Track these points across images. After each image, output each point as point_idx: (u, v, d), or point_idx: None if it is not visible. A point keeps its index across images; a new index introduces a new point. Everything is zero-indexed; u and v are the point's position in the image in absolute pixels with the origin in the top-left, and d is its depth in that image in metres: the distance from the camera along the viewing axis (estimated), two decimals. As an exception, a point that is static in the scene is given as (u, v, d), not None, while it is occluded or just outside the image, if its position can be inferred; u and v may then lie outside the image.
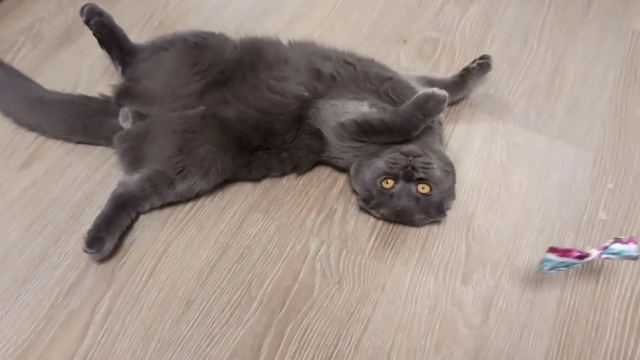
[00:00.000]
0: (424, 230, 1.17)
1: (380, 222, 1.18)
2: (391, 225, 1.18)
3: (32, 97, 1.26)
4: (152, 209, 1.16)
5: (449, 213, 1.16)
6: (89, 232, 1.06)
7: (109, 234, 1.08)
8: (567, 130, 1.34)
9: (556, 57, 1.50)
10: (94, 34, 1.26)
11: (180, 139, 1.14)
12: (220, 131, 1.15)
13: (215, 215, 1.17)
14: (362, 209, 1.18)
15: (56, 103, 1.25)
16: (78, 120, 1.24)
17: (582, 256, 1.04)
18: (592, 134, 1.34)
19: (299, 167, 1.21)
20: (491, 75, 1.43)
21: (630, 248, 1.03)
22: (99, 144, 1.25)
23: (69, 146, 1.26)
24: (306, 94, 1.18)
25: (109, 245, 1.08)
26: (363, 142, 1.15)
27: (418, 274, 1.12)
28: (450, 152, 1.25)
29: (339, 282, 1.10)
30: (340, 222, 1.18)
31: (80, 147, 1.26)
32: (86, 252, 1.06)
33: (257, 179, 1.21)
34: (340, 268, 1.12)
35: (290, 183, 1.23)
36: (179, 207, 1.18)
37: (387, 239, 1.16)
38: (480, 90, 1.41)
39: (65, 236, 1.13)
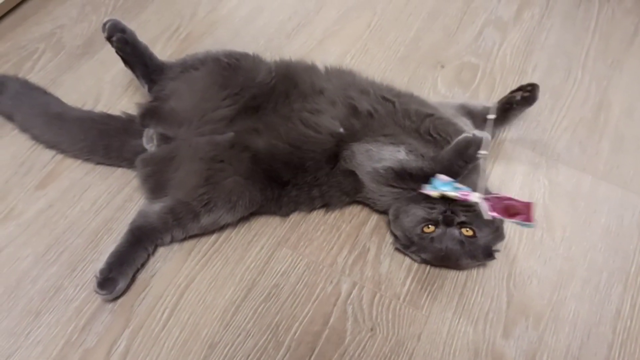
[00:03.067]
0: (462, 274, 1.10)
1: (417, 264, 1.11)
2: (427, 268, 1.11)
3: (51, 113, 1.19)
4: (173, 241, 1.08)
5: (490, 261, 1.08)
6: (101, 272, 1.00)
7: (121, 274, 1.01)
8: (613, 170, 1.27)
9: (601, 89, 1.42)
10: (117, 52, 1.19)
11: (207, 168, 1.07)
12: (250, 162, 1.08)
13: (241, 249, 1.11)
14: (399, 251, 1.11)
15: (76, 120, 1.18)
16: (99, 140, 1.17)
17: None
18: (640, 176, 1.27)
19: (330, 205, 1.14)
20: (534, 106, 1.36)
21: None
22: (120, 166, 1.18)
23: (89, 166, 1.19)
24: (341, 130, 1.11)
25: (121, 285, 1.01)
26: (401, 188, 1.07)
27: (456, 324, 1.05)
28: (491, 190, 1.18)
29: (372, 329, 1.03)
30: (374, 262, 1.11)
31: (100, 167, 1.19)
32: (97, 293, 0.99)
33: (285, 215, 1.14)
34: (373, 313, 1.05)
35: (320, 217, 1.16)
36: (203, 239, 1.11)
37: (423, 283, 1.09)
38: (521, 121, 1.33)
39: (82, 266, 1.06)
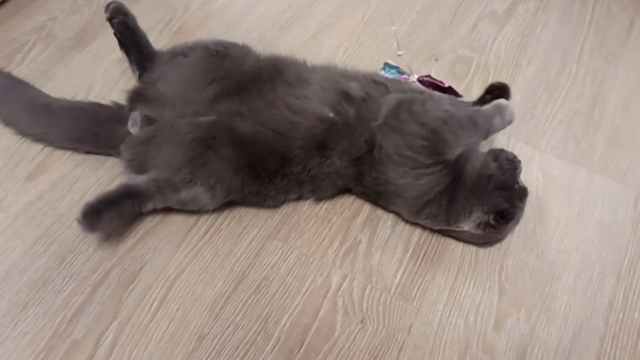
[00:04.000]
0: (454, 267, 1.10)
1: (408, 256, 1.10)
2: (419, 261, 1.10)
3: (38, 105, 1.18)
4: (154, 209, 1.07)
5: (481, 253, 1.08)
6: (88, 203, 0.99)
7: (108, 211, 1.00)
8: (607, 164, 1.26)
9: (596, 83, 1.41)
10: (115, 34, 1.20)
11: (188, 150, 1.06)
12: (233, 148, 1.06)
13: (231, 241, 1.10)
14: (387, 243, 1.10)
15: (65, 110, 1.18)
16: (88, 128, 1.16)
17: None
18: (635, 170, 1.26)
19: (321, 196, 1.13)
20: (528, 99, 1.36)
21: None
22: (109, 154, 1.17)
23: (78, 158, 1.18)
24: (331, 115, 1.09)
25: (104, 223, 1.00)
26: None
27: (447, 317, 1.04)
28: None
29: (362, 322, 1.02)
30: (365, 254, 1.10)
31: (90, 159, 1.18)
32: (79, 223, 0.99)
33: (275, 207, 1.13)
34: (364, 306, 1.04)
35: (312, 209, 1.15)
36: (193, 231, 1.10)
37: (414, 275, 1.08)
38: (515, 114, 1.32)
39: (70, 257, 1.06)
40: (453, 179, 1.04)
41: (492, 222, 1.03)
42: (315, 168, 1.08)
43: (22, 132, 1.19)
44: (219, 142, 1.06)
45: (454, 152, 1.05)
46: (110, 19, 1.18)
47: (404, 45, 1.45)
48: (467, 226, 1.05)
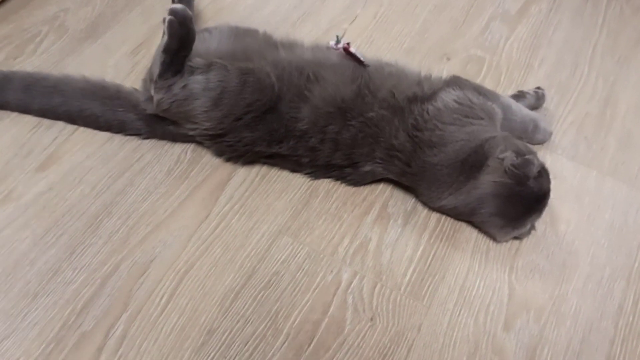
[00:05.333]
0: (463, 267, 1.09)
1: (418, 255, 1.10)
2: (429, 260, 1.10)
3: (63, 90, 1.19)
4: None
5: (491, 253, 1.08)
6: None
7: None
8: (618, 166, 1.26)
9: (608, 85, 1.41)
10: (170, 39, 1.07)
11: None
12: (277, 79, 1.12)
13: (242, 236, 1.09)
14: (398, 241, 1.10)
15: (89, 84, 1.20)
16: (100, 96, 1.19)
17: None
18: (646, 173, 1.25)
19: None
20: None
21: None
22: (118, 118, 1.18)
23: (90, 149, 1.18)
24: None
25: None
26: None
27: (457, 316, 1.04)
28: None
29: (371, 319, 1.02)
30: (375, 252, 1.10)
31: (101, 151, 1.18)
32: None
33: (298, 168, 1.17)
34: (373, 304, 1.04)
35: (322, 206, 1.15)
36: (204, 225, 1.10)
37: (424, 274, 1.08)
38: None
39: (80, 249, 1.05)
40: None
41: (514, 161, 1.02)
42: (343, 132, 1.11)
43: (58, 117, 1.20)
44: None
45: (496, 124, 1.14)
46: (175, 22, 1.07)
47: (415, 45, 1.45)
48: (491, 163, 1.05)
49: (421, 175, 1.09)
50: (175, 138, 1.19)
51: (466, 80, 1.18)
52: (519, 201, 1.04)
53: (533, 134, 1.23)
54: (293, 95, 1.10)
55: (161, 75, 1.08)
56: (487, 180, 1.04)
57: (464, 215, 1.11)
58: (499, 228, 1.08)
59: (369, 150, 1.10)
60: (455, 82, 1.16)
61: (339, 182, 1.18)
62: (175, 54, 1.08)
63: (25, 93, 1.19)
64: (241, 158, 1.16)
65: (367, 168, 1.12)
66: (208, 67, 1.08)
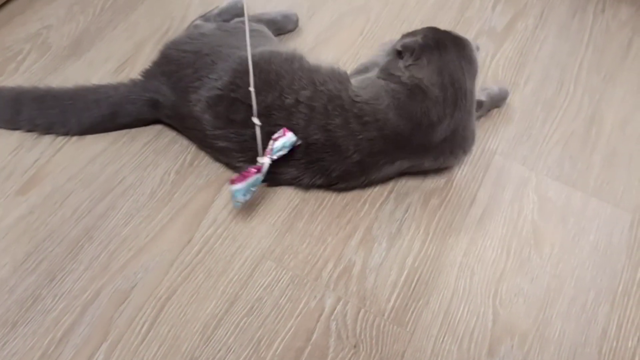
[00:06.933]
0: (448, 291, 1.09)
1: (402, 279, 1.10)
2: (414, 284, 1.09)
3: (65, 104, 1.20)
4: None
5: (476, 277, 1.07)
6: None
7: None
8: (603, 186, 1.26)
9: (593, 103, 1.41)
10: None
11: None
12: None
13: (224, 261, 1.09)
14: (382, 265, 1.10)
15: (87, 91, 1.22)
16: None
17: (259, 169, 1.06)
18: (630, 193, 1.25)
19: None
20: (525, 118, 1.35)
21: (288, 137, 1.06)
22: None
23: (72, 171, 1.17)
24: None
25: None
26: None
27: (441, 342, 1.03)
28: (479, 205, 1.18)
29: (355, 346, 1.01)
30: (359, 276, 1.09)
31: (83, 173, 1.17)
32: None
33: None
34: (357, 330, 1.03)
35: (307, 228, 1.14)
36: (186, 249, 1.09)
37: (408, 299, 1.08)
38: (512, 133, 1.32)
39: (60, 275, 1.04)
40: None
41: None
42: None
43: (69, 132, 1.21)
44: None
45: None
46: None
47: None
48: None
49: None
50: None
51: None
52: None
53: None
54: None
55: None
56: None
57: None
58: None
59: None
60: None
61: (324, 203, 1.17)
62: None
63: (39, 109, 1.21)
64: None
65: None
66: None
